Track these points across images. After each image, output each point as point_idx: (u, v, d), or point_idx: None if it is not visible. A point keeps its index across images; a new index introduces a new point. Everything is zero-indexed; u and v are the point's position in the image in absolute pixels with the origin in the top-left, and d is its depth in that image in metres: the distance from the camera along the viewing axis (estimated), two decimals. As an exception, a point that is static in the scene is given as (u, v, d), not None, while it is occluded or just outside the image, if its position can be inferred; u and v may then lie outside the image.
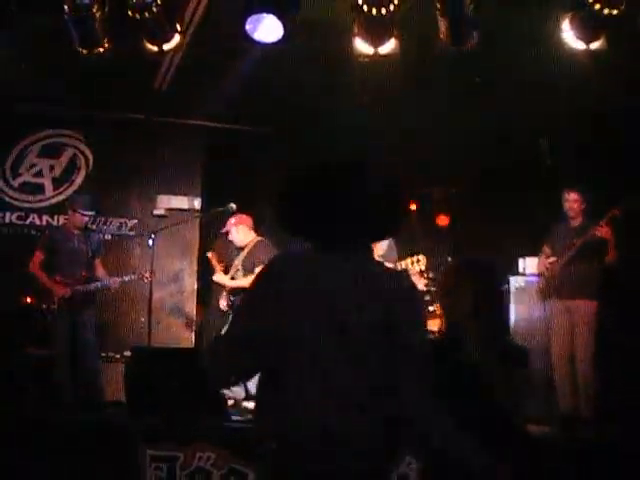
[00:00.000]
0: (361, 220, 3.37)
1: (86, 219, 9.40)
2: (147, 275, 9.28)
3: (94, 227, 10.54)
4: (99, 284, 9.20)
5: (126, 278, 9.36)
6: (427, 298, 10.49)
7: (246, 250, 9.40)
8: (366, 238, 3.49)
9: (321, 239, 3.42)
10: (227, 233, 9.58)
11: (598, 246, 8.37)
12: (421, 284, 10.03)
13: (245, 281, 9.07)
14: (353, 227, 3.37)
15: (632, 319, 9.22)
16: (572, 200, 8.67)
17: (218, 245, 10.17)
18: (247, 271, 9.20)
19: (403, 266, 8.75)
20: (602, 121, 9.78)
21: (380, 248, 8.81)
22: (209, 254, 9.75)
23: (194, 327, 10.39)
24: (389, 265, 8.29)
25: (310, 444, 3.18)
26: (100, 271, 9.37)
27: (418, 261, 8.69)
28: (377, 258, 8.60)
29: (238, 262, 9.44)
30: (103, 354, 9.76)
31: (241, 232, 9.50)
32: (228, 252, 9.73)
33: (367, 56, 8.74)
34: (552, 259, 8.76)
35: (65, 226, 9.54)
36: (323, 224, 3.39)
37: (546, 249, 8.91)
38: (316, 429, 3.17)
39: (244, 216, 9.57)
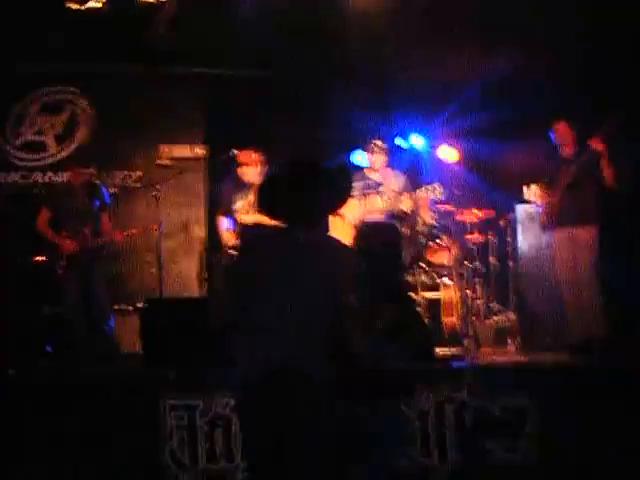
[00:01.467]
0: (313, 205, 4.70)
1: (85, 177, 9.38)
2: (154, 227, 9.30)
3: (98, 182, 10.56)
4: (106, 239, 9.23)
5: (133, 231, 9.39)
6: (435, 231, 10.49)
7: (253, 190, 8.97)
8: (315, 217, 4.77)
9: (285, 218, 4.73)
10: (246, 165, 9.16)
11: (594, 167, 8.36)
12: (428, 217, 10.05)
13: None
14: (306, 210, 4.68)
15: (632, 241, 9.26)
16: (561, 129, 8.70)
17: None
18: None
19: (419, 195, 8.72)
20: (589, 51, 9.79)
21: (394, 183, 8.84)
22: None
23: (204, 275, 10.41)
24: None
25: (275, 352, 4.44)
26: (106, 225, 9.37)
27: (434, 189, 8.65)
28: (391, 193, 8.67)
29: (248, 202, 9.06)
30: (116, 307, 9.83)
31: (258, 172, 9.10)
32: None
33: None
34: (545, 192, 8.85)
35: (70, 183, 9.53)
36: (287, 208, 4.69)
37: (541, 185, 8.96)
38: (279, 343, 4.45)
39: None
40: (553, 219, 8.70)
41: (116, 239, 9.32)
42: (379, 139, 8.87)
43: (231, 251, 8.90)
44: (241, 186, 9.12)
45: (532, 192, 9.29)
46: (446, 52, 10.12)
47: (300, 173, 4.73)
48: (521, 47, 9.95)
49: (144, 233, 9.56)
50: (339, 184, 4.90)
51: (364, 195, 8.66)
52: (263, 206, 4.88)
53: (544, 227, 8.88)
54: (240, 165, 9.12)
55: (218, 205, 9.57)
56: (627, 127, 8.36)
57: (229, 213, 9.16)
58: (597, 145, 8.25)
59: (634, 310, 8.57)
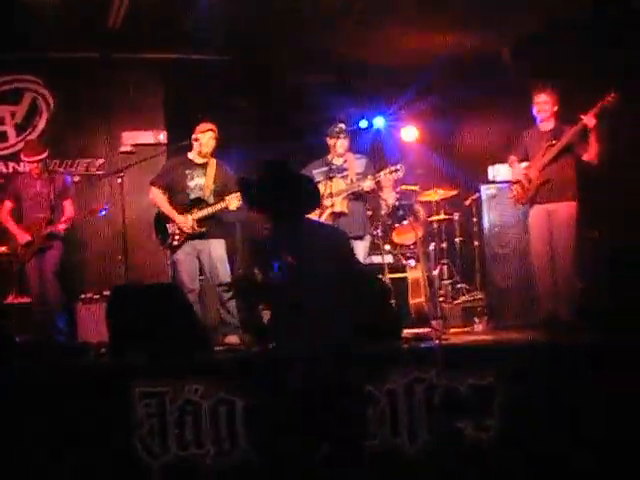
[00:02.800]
0: (295, 202, 5.39)
1: (42, 158, 9.35)
2: (99, 207, 9.31)
3: (61, 169, 10.51)
4: (53, 228, 9.24)
5: (70, 216, 9.37)
6: (400, 212, 10.52)
7: (211, 170, 8.79)
8: (300, 212, 5.46)
9: (276, 212, 5.43)
10: (197, 140, 8.76)
11: (578, 143, 8.26)
12: (392, 198, 10.03)
13: (220, 205, 8.58)
14: (293, 205, 5.37)
15: (611, 217, 9.28)
16: (542, 102, 8.51)
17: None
18: (219, 195, 8.66)
19: (382, 177, 8.65)
20: (571, 20, 9.78)
21: (358, 167, 8.83)
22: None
23: (169, 261, 10.34)
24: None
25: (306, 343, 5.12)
26: (68, 212, 9.36)
27: (396, 170, 8.56)
28: (355, 176, 8.66)
29: (207, 183, 8.74)
30: (83, 295, 9.82)
31: (212, 143, 8.84)
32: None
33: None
34: (525, 164, 8.65)
35: (30, 172, 9.48)
36: (277, 204, 5.38)
37: (512, 157, 8.82)
38: (305, 335, 5.14)
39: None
40: (531, 194, 8.54)
41: (58, 229, 9.28)
42: (341, 123, 8.84)
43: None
44: (192, 166, 8.87)
45: (499, 171, 9.29)
46: (407, 31, 10.14)
47: (282, 174, 5.48)
48: (488, 24, 9.97)
49: (89, 217, 9.56)
50: (310, 188, 5.62)
51: (328, 179, 8.63)
52: (255, 202, 5.62)
53: (518, 201, 8.74)
54: (197, 140, 8.78)
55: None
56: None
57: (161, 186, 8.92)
58: (590, 121, 8.14)
59: (608, 285, 8.56)
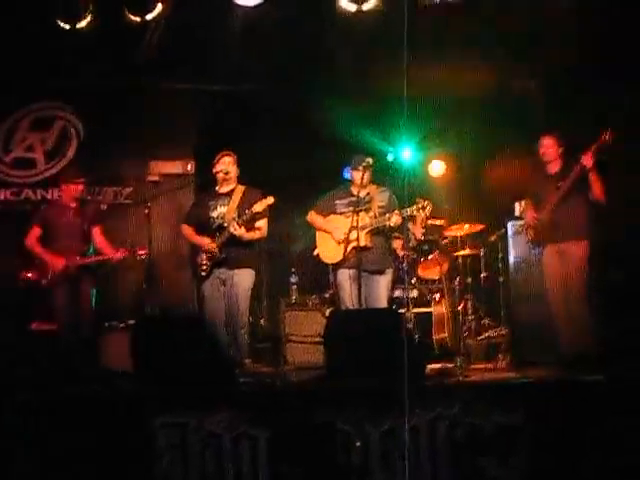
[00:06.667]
0: None
1: (80, 187, 9.40)
2: (141, 252, 9.26)
3: (89, 197, 10.57)
4: (99, 257, 9.25)
5: (118, 255, 9.33)
6: (425, 247, 10.54)
7: (236, 197, 8.77)
8: None
9: None
10: (226, 173, 8.77)
11: (584, 182, 8.39)
12: (419, 232, 10.04)
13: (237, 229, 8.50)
14: None
15: (623, 255, 9.29)
16: (547, 145, 8.75)
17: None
18: (245, 221, 8.53)
19: (409, 213, 8.55)
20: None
21: (380, 200, 8.80)
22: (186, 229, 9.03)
23: (195, 293, 10.38)
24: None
25: None
26: (99, 240, 9.39)
27: (423, 208, 8.46)
28: (378, 210, 8.59)
29: (229, 210, 8.71)
30: (106, 324, 9.82)
31: (232, 168, 8.88)
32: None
33: (350, 13, 8.76)
34: (532, 209, 8.90)
35: (60, 200, 9.54)
36: None
37: (527, 201, 9.07)
38: None
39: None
40: (543, 235, 8.74)
41: (116, 257, 9.31)
42: (366, 156, 8.82)
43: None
44: (216, 197, 8.89)
45: (522, 208, 9.38)
46: (435, 69, 10.17)
47: None
48: (511, 65, 10.04)
49: (131, 256, 9.48)
50: None
51: (351, 212, 8.58)
52: None
53: (533, 243, 8.92)
54: (215, 169, 8.85)
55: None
56: (616, 143, 8.37)
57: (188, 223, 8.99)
58: (587, 161, 8.28)
59: (623, 325, 8.55)
